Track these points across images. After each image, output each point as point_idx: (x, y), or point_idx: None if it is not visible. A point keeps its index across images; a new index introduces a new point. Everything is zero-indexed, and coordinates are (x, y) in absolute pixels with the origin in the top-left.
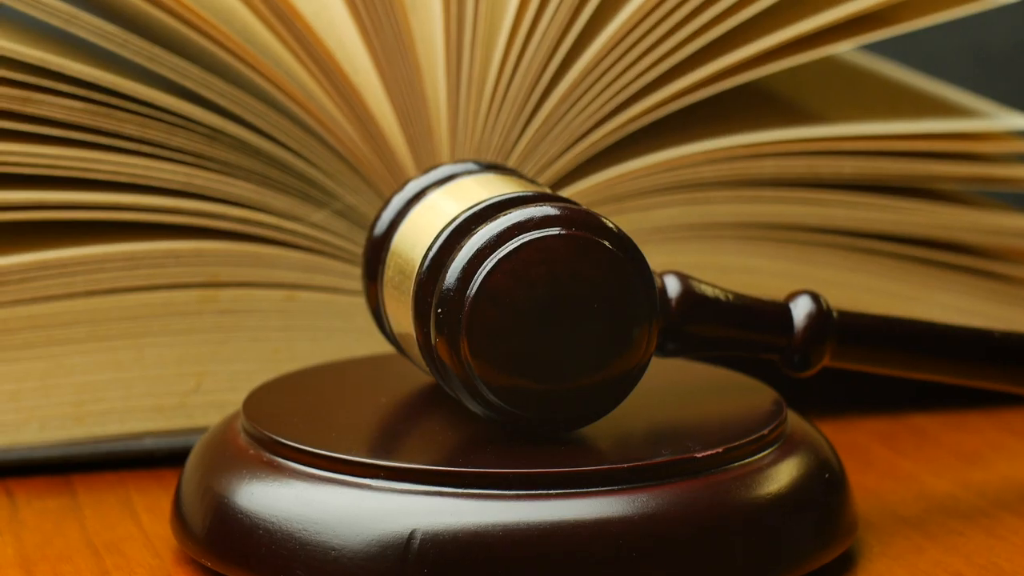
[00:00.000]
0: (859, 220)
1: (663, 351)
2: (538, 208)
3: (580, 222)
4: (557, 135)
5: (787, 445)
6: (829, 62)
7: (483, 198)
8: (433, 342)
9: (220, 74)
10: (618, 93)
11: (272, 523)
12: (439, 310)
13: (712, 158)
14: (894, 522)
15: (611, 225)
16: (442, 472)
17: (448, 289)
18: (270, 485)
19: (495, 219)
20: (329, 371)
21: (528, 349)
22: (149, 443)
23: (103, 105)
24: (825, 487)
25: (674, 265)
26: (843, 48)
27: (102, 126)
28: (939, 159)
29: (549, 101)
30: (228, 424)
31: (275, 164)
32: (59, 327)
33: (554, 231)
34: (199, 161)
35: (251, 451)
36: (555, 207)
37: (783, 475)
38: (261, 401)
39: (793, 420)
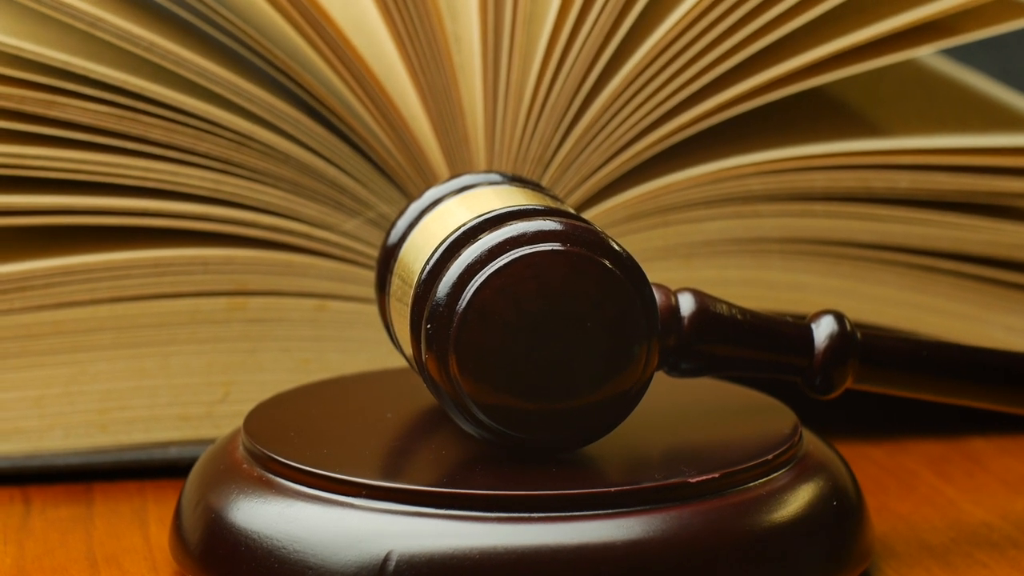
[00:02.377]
0: (917, 237)
1: (676, 371)
2: (533, 223)
3: (576, 238)
4: (599, 145)
5: (795, 471)
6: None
7: (490, 209)
8: (423, 358)
9: (250, 79)
10: (664, 102)
11: (254, 539)
12: (428, 325)
13: (760, 170)
14: (918, 551)
15: (609, 242)
16: (421, 492)
17: (437, 304)
18: (257, 501)
19: (490, 233)
20: (341, 384)
21: (519, 367)
22: (174, 452)
23: (129, 109)
24: (834, 515)
25: (720, 281)
26: (899, 58)
27: (128, 130)
28: (1003, 174)
29: (591, 110)
30: (231, 438)
31: (306, 171)
32: (84, 333)
33: (547, 247)
34: (228, 167)
35: (245, 465)
36: (553, 222)
37: (786, 503)
38: (265, 414)
39: (810, 444)
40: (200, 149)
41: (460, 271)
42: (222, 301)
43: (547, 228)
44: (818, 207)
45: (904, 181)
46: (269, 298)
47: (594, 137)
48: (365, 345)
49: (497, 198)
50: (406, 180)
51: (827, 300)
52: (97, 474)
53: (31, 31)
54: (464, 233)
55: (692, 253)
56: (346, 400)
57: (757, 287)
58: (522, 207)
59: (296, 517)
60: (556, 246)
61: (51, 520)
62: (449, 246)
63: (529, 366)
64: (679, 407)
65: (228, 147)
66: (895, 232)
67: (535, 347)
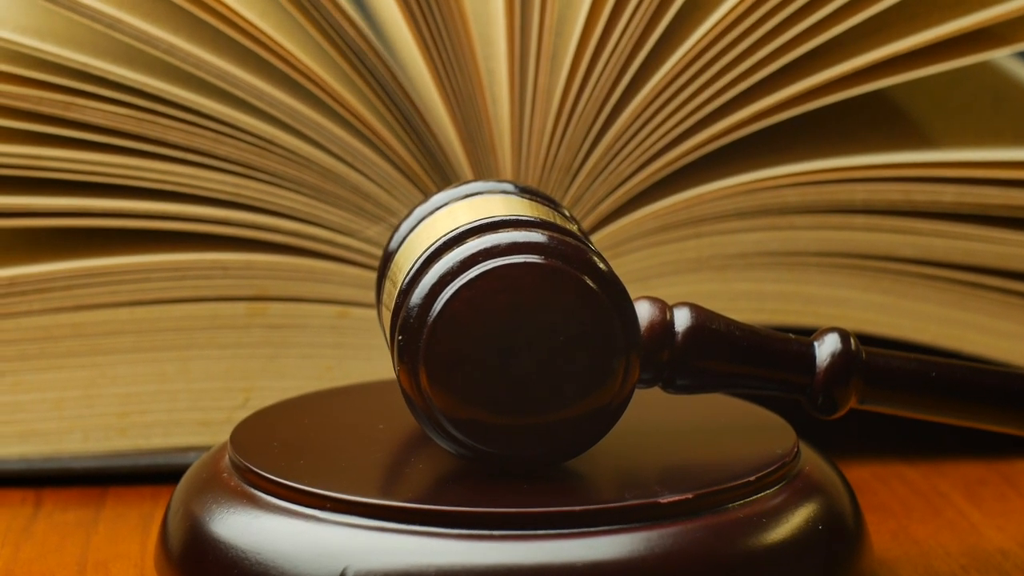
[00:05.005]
0: (960, 252)
1: (673, 387)
2: (509, 234)
3: (553, 251)
4: (629, 153)
5: (783, 493)
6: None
7: (477, 219)
8: (396, 370)
9: (272, 82)
10: (698, 110)
11: (222, 549)
12: (400, 336)
13: (796, 182)
14: None
15: (591, 256)
16: (381, 506)
17: (409, 315)
18: (229, 510)
19: (465, 243)
20: (342, 394)
21: (491, 381)
22: (193, 458)
23: (148, 111)
24: (820, 540)
25: (756, 294)
26: (946, 67)
27: (147, 133)
28: None
29: (621, 117)
30: (222, 447)
31: (329, 176)
32: (103, 336)
33: (520, 259)
34: (248, 171)
35: (225, 475)
36: (533, 234)
37: (765, 526)
38: (257, 424)
39: (807, 464)
40: (220, 152)
41: (432, 282)
42: (242, 306)
43: (522, 240)
44: (858, 220)
45: (948, 195)
46: (290, 304)
47: (624, 145)
48: (387, 353)
49: (494, 207)
50: (430, 186)
51: (867, 316)
52: (114, 478)
53: (57, 28)
54: (445, 243)
55: (726, 265)
56: (343, 411)
57: (794, 301)
58: (506, 217)
59: (262, 528)
60: (530, 258)
61: (56, 523)
62: (429, 256)
63: (502, 380)
64: (677, 423)
65: (249, 151)
66: (938, 247)
67: (508, 361)
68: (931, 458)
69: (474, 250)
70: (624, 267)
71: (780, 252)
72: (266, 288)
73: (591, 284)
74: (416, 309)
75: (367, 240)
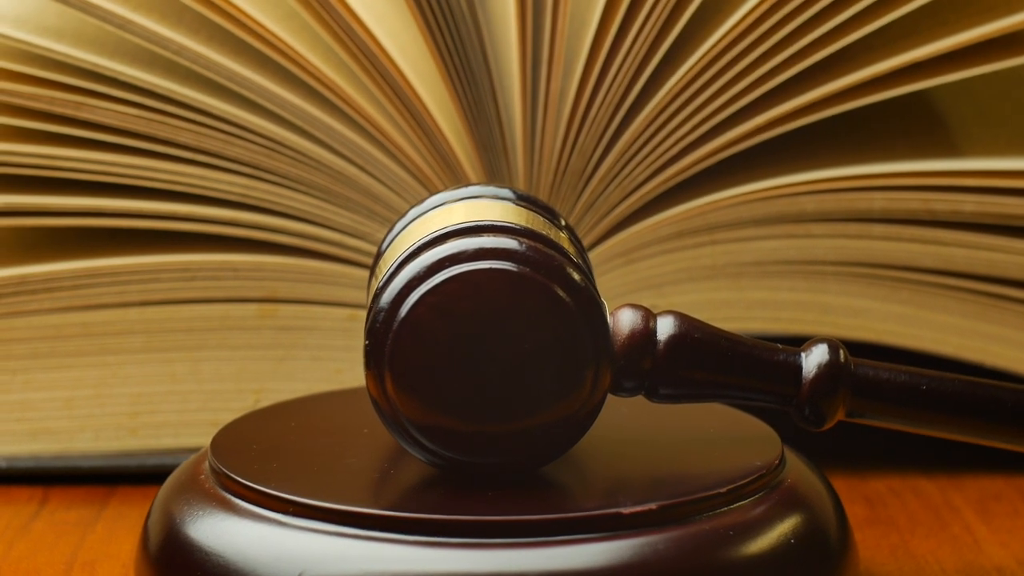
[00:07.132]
0: (982, 263)
1: (656, 395)
2: (478, 240)
3: (520, 258)
4: (643, 158)
5: (757, 505)
6: None
7: (459, 223)
8: (364, 375)
9: (282, 83)
10: (715, 113)
11: (188, 550)
12: (367, 341)
13: (814, 189)
14: None
15: (559, 263)
16: (342, 512)
17: (376, 320)
18: (200, 512)
19: (436, 248)
20: (337, 398)
21: (457, 388)
22: None
23: (158, 112)
24: (793, 556)
25: (771, 303)
26: (975, 72)
27: (157, 133)
28: None
29: (635, 121)
30: (206, 449)
31: (339, 178)
32: (113, 336)
33: (487, 265)
34: (258, 173)
35: (202, 477)
36: (505, 239)
37: (732, 539)
38: (244, 426)
39: (792, 476)
40: (230, 154)
41: (400, 287)
42: (252, 308)
43: (490, 246)
44: (877, 229)
45: (969, 204)
46: (300, 306)
47: (638, 150)
48: None
49: (484, 212)
50: (441, 189)
51: (886, 327)
52: (122, 477)
53: (84, 29)
54: (419, 246)
55: (741, 273)
56: (333, 415)
57: (811, 311)
58: (481, 223)
59: (227, 531)
60: (497, 264)
61: (56, 522)
62: (403, 259)
63: (468, 387)
64: (664, 432)
65: (259, 152)
66: (959, 257)
67: (474, 367)
68: (951, 471)
69: (441, 255)
70: (637, 274)
71: (797, 260)
72: (276, 290)
73: (560, 292)
74: (383, 313)
75: (377, 243)
